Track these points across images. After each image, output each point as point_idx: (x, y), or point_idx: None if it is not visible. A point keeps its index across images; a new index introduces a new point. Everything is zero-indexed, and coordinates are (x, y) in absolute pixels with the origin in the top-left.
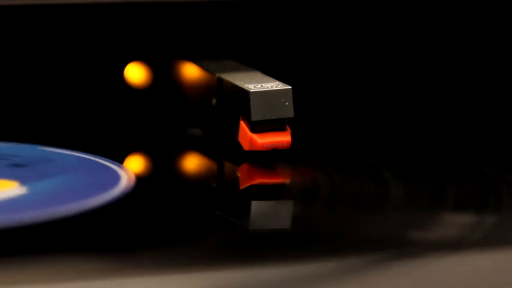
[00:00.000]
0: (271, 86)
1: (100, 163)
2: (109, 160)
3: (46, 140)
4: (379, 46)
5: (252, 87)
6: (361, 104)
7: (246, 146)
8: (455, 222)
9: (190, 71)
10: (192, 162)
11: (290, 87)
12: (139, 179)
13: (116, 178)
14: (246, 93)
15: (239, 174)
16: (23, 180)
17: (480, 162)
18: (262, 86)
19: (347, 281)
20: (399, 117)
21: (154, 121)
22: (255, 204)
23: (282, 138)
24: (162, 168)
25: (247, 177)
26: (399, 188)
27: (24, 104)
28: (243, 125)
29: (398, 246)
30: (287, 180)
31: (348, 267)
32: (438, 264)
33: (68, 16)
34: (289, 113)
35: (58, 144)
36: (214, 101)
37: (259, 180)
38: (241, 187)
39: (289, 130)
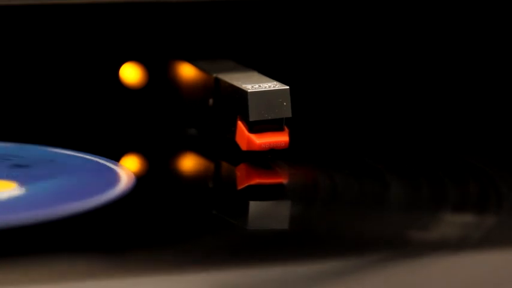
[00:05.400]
0: (269, 86)
1: (99, 163)
2: (108, 160)
3: (42, 140)
4: (377, 46)
5: (250, 87)
6: (360, 103)
7: (243, 146)
8: (455, 222)
9: (187, 71)
10: (190, 163)
11: (288, 87)
12: (136, 180)
13: (115, 178)
14: (243, 93)
15: (237, 174)
16: (22, 181)
17: (480, 162)
18: (260, 86)
19: (347, 282)
20: (398, 116)
21: (151, 121)
22: (253, 205)
23: (280, 138)
24: (160, 168)
25: (245, 178)
26: (399, 188)
27: (22, 105)
28: (240, 125)
29: (398, 246)
30: (285, 181)
31: (348, 267)
32: (438, 265)
33: (64, 16)
34: (287, 113)
35: (55, 144)
36: (211, 101)
37: (257, 181)
38: (239, 187)
39: (287, 130)
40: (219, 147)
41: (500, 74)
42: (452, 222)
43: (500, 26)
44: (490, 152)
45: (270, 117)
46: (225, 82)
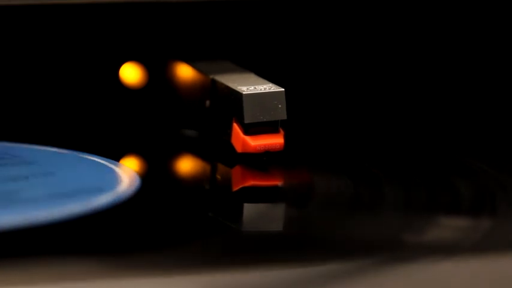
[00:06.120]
0: (264, 88)
1: (97, 162)
2: (108, 160)
3: (41, 140)
4: (372, 47)
5: (245, 89)
6: (355, 105)
7: (239, 148)
8: (450, 226)
9: (185, 72)
10: (186, 164)
11: (283, 89)
12: (137, 181)
13: (115, 179)
14: (239, 95)
15: (232, 176)
16: (22, 181)
17: (476, 164)
18: (255, 88)
19: (341, 285)
20: (394, 119)
21: (149, 122)
22: (247, 207)
23: (275, 141)
24: (155, 169)
25: (240, 179)
26: (394, 190)
27: (22, 104)
28: (236, 127)
29: (393, 249)
30: (280, 183)
31: (342, 270)
32: (433, 268)
33: (64, 16)
34: (282, 115)
35: (53, 144)
36: (208, 102)
37: (252, 183)
38: (234, 189)
39: (282, 132)
40: (215, 149)
41: (500, 73)
42: (448, 226)
43: (500, 26)
44: (486, 154)
45: (265, 120)
46: (221, 84)
